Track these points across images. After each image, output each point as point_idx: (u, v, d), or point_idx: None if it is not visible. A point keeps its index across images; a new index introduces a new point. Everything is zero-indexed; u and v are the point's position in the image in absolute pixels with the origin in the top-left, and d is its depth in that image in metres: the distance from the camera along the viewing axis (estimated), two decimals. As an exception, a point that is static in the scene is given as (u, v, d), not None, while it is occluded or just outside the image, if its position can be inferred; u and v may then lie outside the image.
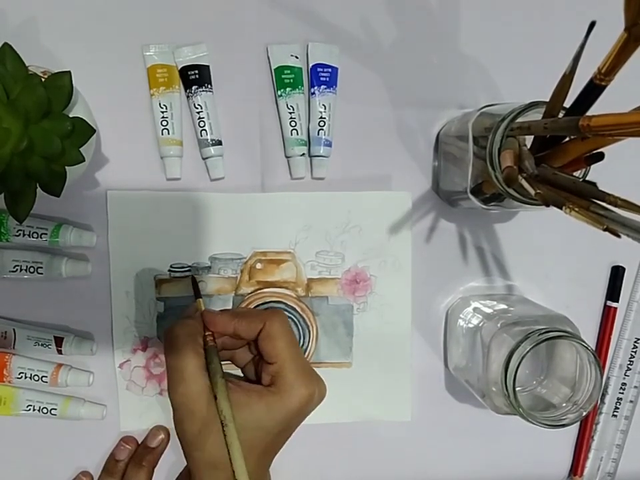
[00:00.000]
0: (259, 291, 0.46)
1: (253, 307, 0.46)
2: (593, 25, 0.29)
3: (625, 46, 0.28)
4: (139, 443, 0.47)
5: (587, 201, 0.32)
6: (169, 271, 0.46)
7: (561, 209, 0.31)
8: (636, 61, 0.29)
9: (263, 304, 0.46)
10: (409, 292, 0.48)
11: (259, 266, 0.46)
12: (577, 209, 0.30)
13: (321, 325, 0.47)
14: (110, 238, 0.45)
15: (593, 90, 0.31)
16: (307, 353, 0.47)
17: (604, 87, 0.31)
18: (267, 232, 0.47)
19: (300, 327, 0.47)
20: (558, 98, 0.33)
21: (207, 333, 0.38)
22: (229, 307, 0.46)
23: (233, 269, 0.46)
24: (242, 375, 0.40)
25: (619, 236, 0.28)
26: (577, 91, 0.32)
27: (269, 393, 0.36)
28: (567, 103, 0.34)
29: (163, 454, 0.47)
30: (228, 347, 0.40)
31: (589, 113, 0.32)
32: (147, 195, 0.45)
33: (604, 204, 0.32)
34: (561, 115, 0.34)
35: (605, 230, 0.28)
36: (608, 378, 0.51)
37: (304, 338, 0.47)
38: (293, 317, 0.47)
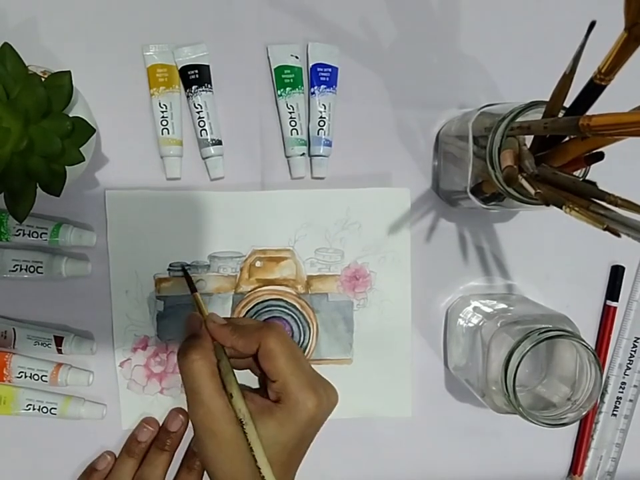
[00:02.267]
0: (259, 289, 0.47)
1: (252, 305, 0.46)
2: (592, 24, 0.29)
3: (625, 46, 0.28)
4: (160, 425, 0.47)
5: (587, 201, 0.32)
6: (169, 269, 0.46)
7: (561, 208, 0.31)
8: (636, 61, 0.29)
9: (262, 302, 0.46)
10: (408, 287, 0.48)
11: (258, 264, 0.46)
12: (576, 209, 0.30)
13: (321, 322, 0.47)
14: (109, 237, 0.45)
15: (593, 90, 0.31)
16: (307, 350, 0.47)
17: (604, 87, 0.31)
18: (267, 230, 0.47)
19: (300, 325, 0.47)
20: (558, 97, 0.33)
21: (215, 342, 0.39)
22: (229, 305, 0.47)
23: (233, 267, 0.46)
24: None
25: (619, 235, 0.28)
26: (577, 90, 0.32)
27: (278, 409, 0.37)
28: (567, 103, 0.34)
29: (183, 436, 0.46)
30: (234, 356, 0.41)
31: (588, 113, 0.32)
32: (146, 194, 0.45)
33: (604, 203, 0.32)
34: (560, 115, 0.34)
35: (605, 229, 0.28)
36: (607, 377, 0.51)
37: (304, 335, 0.47)
38: (293, 314, 0.47)
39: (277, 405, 0.37)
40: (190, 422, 0.38)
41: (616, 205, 0.32)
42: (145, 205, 0.45)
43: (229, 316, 0.46)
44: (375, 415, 0.48)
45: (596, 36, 0.29)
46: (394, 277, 0.48)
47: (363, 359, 0.48)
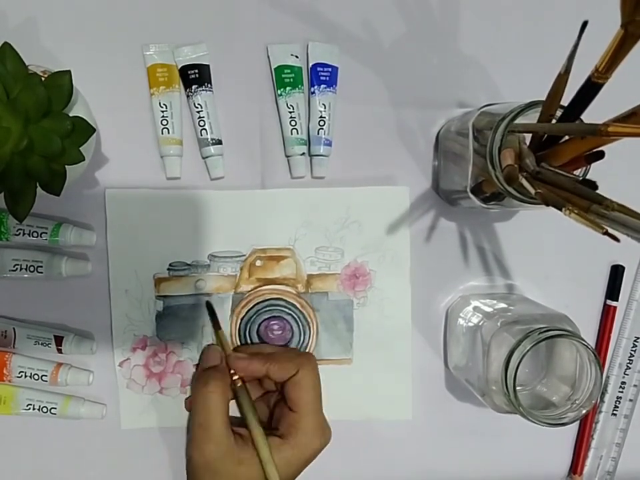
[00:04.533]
0: (259, 289, 0.46)
1: (252, 304, 0.46)
2: (585, 24, 0.29)
3: (621, 43, 0.28)
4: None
5: (587, 202, 0.32)
6: (168, 269, 0.46)
7: (560, 210, 0.31)
8: (634, 59, 0.29)
9: (262, 301, 0.46)
10: (408, 285, 0.48)
11: (258, 263, 0.46)
12: (576, 211, 0.30)
13: (321, 321, 0.47)
14: (109, 237, 0.45)
15: (591, 88, 0.31)
16: (307, 350, 0.47)
17: (601, 85, 0.31)
18: (267, 229, 0.47)
19: (300, 324, 0.47)
20: (554, 97, 0.33)
21: (234, 378, 0.40)
22: (229, 306, 0.46)
23: (232, 266, 0.46)
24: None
25: (618, 240, 0.28)
26: (575, 89, 0.32)
27: (287, 447, 0.38)
28: (566, 102, 0.34)
29: None
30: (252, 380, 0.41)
31: (586, 112, 0.32)
32: (146, 193, 0.45)
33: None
34: (558, 114, 0.34)
35: (604, 234, 0.28)
36: (607, 377, 0.51)
37: (304, 334, 0.47)
38: (292, 313, 0.47)
39: (286, 442, 0.38)
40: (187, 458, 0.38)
41: (612, 211, 0.31)
42: (144, 204, 0.45)
43: (228, 315, 0.46)
44: (375, 417, 0.48)
45: (594, 34, 0.29)
46: (393, 275, 0.48)
47: (363, 359, 0.48)
